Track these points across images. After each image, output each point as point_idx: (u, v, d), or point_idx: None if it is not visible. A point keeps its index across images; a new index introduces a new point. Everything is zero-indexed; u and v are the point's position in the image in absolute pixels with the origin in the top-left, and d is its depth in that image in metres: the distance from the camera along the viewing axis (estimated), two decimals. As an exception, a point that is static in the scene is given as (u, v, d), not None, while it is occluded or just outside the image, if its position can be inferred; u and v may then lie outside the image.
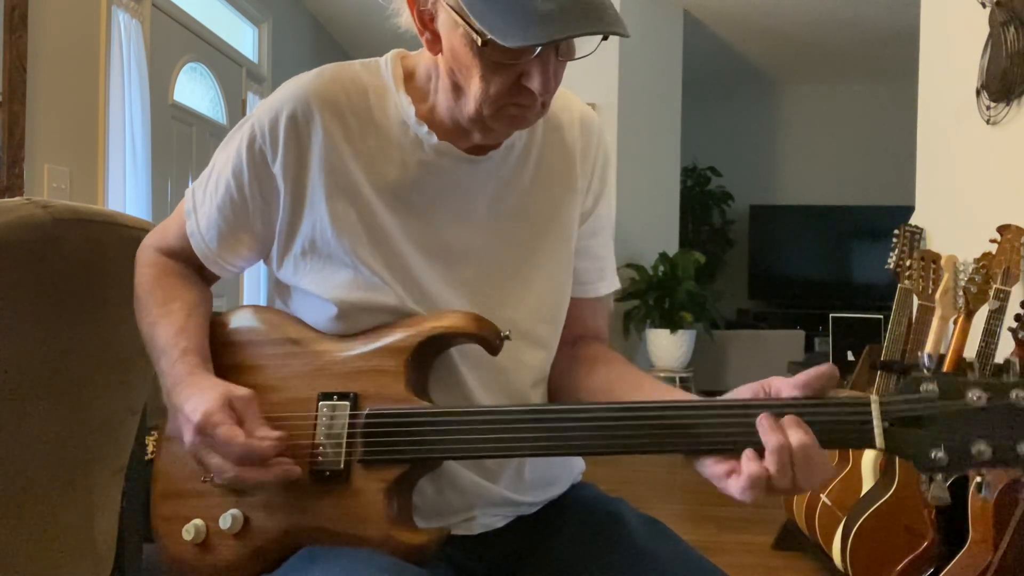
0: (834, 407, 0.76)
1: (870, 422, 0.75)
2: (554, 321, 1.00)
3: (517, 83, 0.84)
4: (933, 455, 0.73)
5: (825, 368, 0.78)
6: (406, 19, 0.90)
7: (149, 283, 0.99)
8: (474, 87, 0.85)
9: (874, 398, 0.75)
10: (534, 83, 0.83)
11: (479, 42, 0.80)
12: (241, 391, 0.85)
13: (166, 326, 0.93)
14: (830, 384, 0.78)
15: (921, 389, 0.75)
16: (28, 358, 1.00)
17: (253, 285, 4.65)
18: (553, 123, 1.01)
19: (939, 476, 0.74)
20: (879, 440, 0.74)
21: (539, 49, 0.81)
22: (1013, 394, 0.72)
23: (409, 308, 0.92)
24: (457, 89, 0.87)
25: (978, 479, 0.79)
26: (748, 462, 0.76)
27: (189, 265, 1.01)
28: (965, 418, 0.73)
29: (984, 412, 0.73)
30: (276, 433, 0.83)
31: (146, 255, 1.02)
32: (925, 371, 0.76)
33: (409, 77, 0.96)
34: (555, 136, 1.00)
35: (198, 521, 0.90)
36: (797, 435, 0.74)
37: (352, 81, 0.95)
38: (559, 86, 0.88)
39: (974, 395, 0.73)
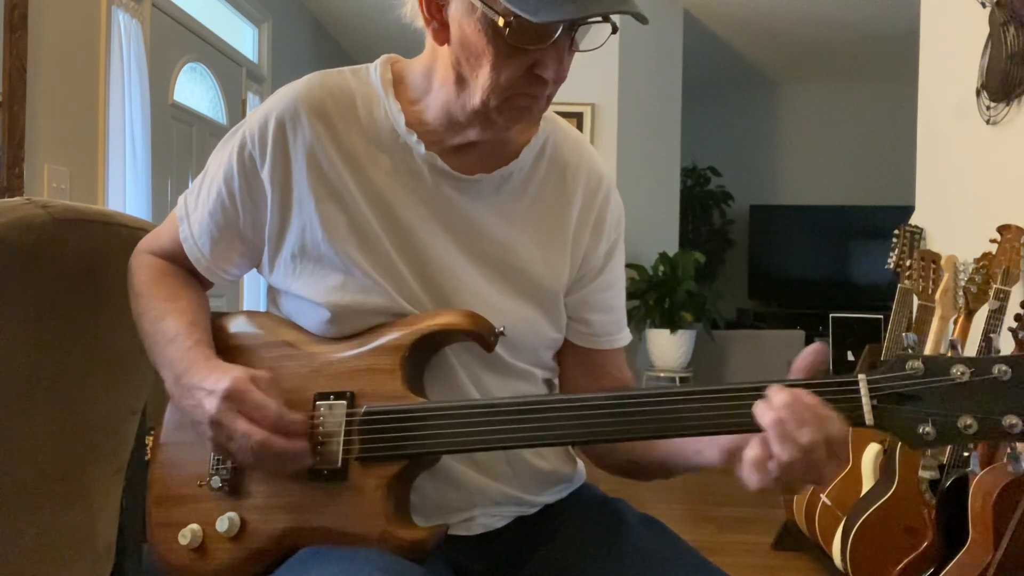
0: (823, 387, 0.77)
1: (859, 399, 0.77)
2: (530, 358, 0.99)
3: (529, 72, 0.84)
4: (921, 430, 0.76)
5: (810, 348, 0.81)
6: (410, 9, 0.90)
7: (150, 281, 0.99)
8: (483, 76, 0.84)
9: (861, 376, 0.77)
10: (548, 71, 0.83)
11: (500, 23, 0.80)
12: (262, 372, 0.86)
13: (176, 318, 0.93)
14: (819, 360, 0.80)
15: (907, 367, 0.77)
16: (28, 358, 1.00)
17: (253, 285, 4.65)
18: (559, 164, 1.00)
19: (928, 452, 0.76)
20: (868, 417, 0.76)
21: (559, 33, 0.80)
22: (995, 369, 0.74)
23: (402, 307, 0.92)
24: (462, 81, 0.87)
25: (966, 453, 0.81)
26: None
27: (185, 268, 1.01)
28: (951, 393, 0.75)
29: (969, 387, 0.75)
30: (299, 415, 0.84)
31: (141, 258, 1.03)
32: (909, 350, 0.77)
33: (399, 81, 0.96)
34: (556, 178, 0.99)
35: (194, 526, 0.89)
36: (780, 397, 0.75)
37: (340, 87, 0.95)
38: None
39: (958, 371, 0.75)
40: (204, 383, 0.85)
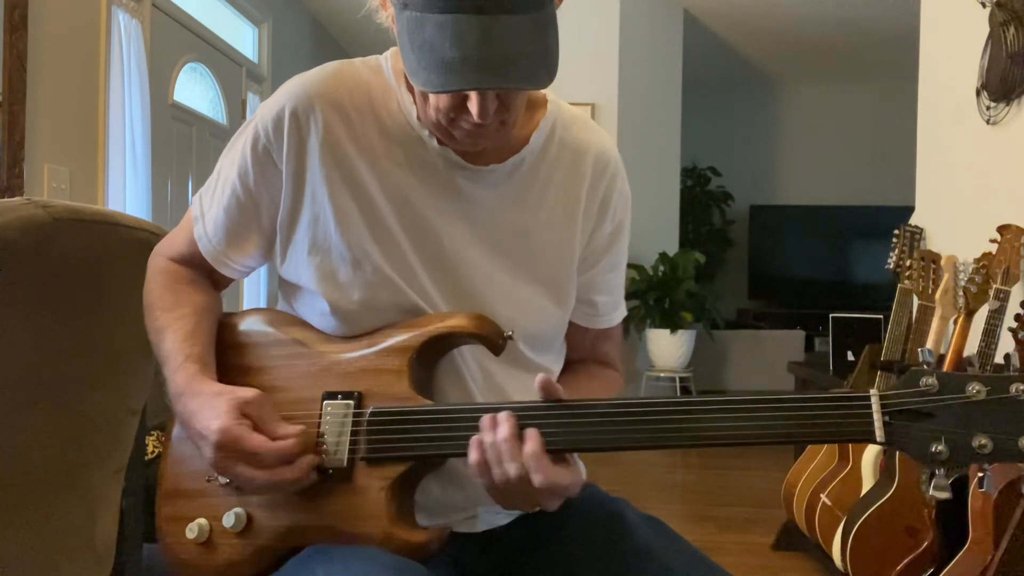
0: (834, 401, 0.76)
1: (870, 416, 0.75)
2: (542, 348, 0.99)
3: (464, 104, 0.83)
4: (934, 448, 0.73)
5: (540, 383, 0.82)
6: (383, 17, 0.91)
7: (159, 289, 0.99)
8: (432, 96, 0.85)
9: (873, 392, 0.75)
10: (472, 107, 0.82)
11: None
12: (247, 393, 0.85)
13: (173, 332, 0.93)
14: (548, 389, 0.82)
15: (921, 383, 0.74)
16: (28, 358, 1.00)
17: (253, 285, 4.65)
18: (569, 145, 1.00)
19: (940, 470, 0.74)
20: (879, 433, 0.74)
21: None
22: (1013, 388, 0.72)
23: (412, 302, 0.92)
24: (423, 93, 0.88)
25: (980, 474, 0.79)
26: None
27: (199, 271, 1.01)
28: (965, 412, 0.73)
29: (984, 406, 0.73)
30: (295, 428, 0.84)
31: (157, 263, 1.03)
32: (925, 366, 0.76)
33: None
34: (568, 159, 0.99)
35: (201, 520, 0.90)
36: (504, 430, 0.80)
37: (354, 79, 0.95)
38: (524, 102, 0.89)
39: (974, 388, 0.73)
40: (194, 421, 0.85)
